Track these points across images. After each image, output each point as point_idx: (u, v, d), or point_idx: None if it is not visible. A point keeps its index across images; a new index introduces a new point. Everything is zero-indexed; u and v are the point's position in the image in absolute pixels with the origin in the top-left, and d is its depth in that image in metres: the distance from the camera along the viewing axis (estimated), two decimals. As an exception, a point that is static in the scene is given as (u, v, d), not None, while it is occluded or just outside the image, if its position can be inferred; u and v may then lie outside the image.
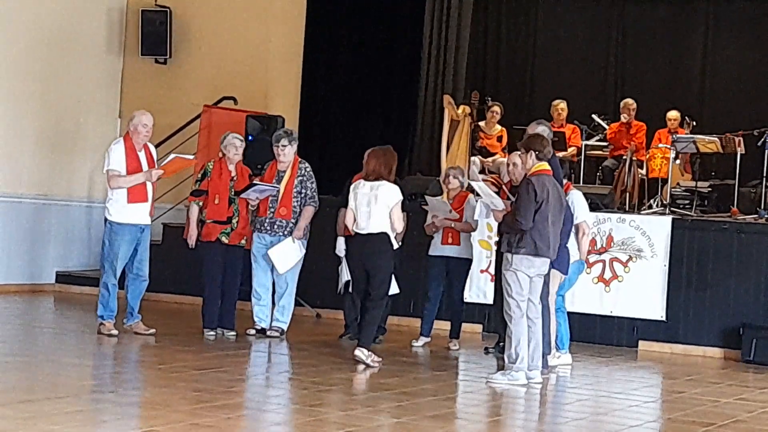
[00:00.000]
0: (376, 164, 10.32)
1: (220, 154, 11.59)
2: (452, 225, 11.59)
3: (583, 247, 10.85)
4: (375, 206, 10.21)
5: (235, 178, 11.44)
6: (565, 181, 10.94)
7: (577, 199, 10.77)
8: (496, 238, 10.66)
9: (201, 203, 11.46)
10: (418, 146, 16.16)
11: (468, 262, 11.75)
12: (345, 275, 11.50)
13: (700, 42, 16.47)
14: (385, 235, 10.23)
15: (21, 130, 15.06)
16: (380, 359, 10.29)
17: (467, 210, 11.60)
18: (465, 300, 12.04)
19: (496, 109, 15.19)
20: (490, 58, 17.37)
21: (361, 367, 10.13)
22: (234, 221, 11.41)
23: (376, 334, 10.83)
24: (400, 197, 10.31)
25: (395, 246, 10.35)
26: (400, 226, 10.35)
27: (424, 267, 12.02)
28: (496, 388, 9.58)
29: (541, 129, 10.73)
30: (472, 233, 11.78)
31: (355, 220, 10.30)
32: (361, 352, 10.20)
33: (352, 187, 10.48)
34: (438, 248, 11.67)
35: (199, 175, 11.61)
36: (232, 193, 11.38)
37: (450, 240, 11.62)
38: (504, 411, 9.06)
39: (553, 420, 8.85)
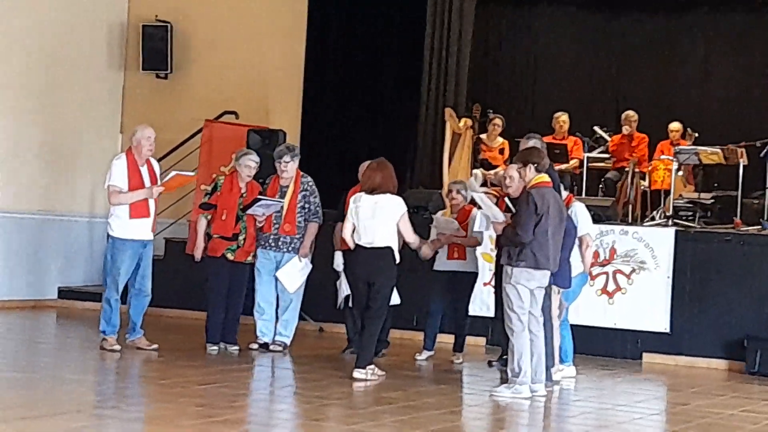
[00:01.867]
0: (382, 179, 10.20)
1: (224, 168, 11.53)
2: (458, 240, 11.57)
3: (587, 260, 10.82)
4: (380, 219, 10.13)
5: (244, 195, 11.40)
6: (567, 193, 10.93)
7: (580, 211, 10.74)
8: (498, 251, 10.63)
9: (209, 216, 11.44)
10: (419, 159, 16.15)
11: (473, 275, 11.73)
12: (344, 289, 11.48)
13: (700, 53, 16.47)
14: (390, 249, 10.17)
15: (22, 145, 15.06)
16: (383, 373, 10.26)
17: (472, 224, 11.56)
18: (468, 313, 12.01)
19: (498, 121, 15.18)
20: (491, 70, 17.36)
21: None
22: (241, 238, 11.37)
23: (378, 347, 10.79)
24: (405, 208, 10.26)
25: (398, 260, 10.31)
26: (411, 236, 10.29)
27: (427, 281, 12.00)
28: (500, 401, 9.55)
29: (533, 142, 10.72)
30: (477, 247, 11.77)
31: (354, 232, 10.23)
32: (359, 374, 10.10)
33: (352, 200, 10.41)
34: (444, 263, 11.63)
35: (209, 189, 11.56)
36: (241, 209, 11.35)
37: (456, 255, 11.59)
38: (508, 424, 9.04)
39: (558, 433, 8.84)
